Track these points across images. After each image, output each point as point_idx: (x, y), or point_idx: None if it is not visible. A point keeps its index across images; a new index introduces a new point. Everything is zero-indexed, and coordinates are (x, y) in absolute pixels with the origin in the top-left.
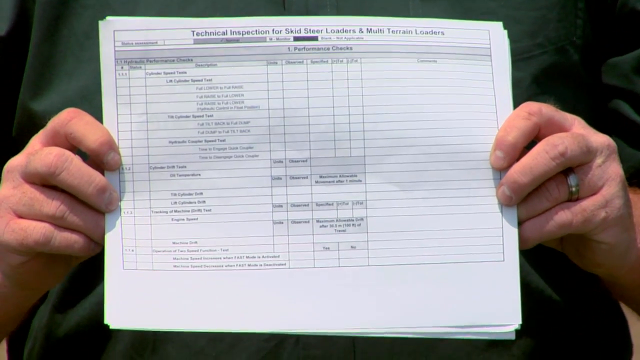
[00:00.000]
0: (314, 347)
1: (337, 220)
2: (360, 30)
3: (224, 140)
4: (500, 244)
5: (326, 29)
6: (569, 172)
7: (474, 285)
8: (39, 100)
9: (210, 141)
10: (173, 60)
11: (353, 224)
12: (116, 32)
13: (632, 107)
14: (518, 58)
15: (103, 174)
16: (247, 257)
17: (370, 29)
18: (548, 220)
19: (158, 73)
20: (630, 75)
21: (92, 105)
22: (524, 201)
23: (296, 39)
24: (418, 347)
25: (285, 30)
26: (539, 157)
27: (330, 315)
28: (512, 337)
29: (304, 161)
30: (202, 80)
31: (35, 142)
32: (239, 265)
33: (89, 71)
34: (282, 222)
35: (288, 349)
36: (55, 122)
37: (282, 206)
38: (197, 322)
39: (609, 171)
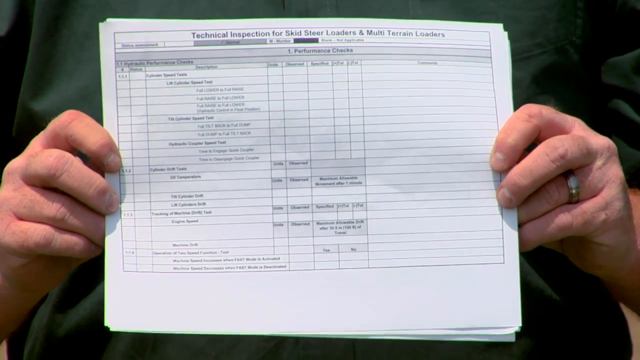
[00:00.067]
0: (313, 347)
1: (337, 223)
2: (361, 32)
3: (224, 142)
4: (501, 246)
5: (326, 31)
6: (569, 174)
7: (474, 287)
8: (39, 100)
9: (210, 143)
10: (173, 62)
11: (353, 226)
12: (116, 34)
13: (632, 107)
14: (518, 58)
15: (103, 176)
16: (247, 259)
17: (371, 31)
18: (548, 222)
19: (158, 75)
20: (630, 75)
21: (92, 105)
22: (524, 203)
23: (296, 40)
24: (418, 347)
25: (286, 32)
26: (539, 160)
27: (331, 317)
28: (512, 339)
29: (304, 163)
30: (202, 82)
31: (36, 144)
32: (239, 267)
33: (89, 71)
34: (282, 224)
35: (288, 349)
36: (55, 124)
37: (282, 208)
38: (197, 325)
39: (609, 173)
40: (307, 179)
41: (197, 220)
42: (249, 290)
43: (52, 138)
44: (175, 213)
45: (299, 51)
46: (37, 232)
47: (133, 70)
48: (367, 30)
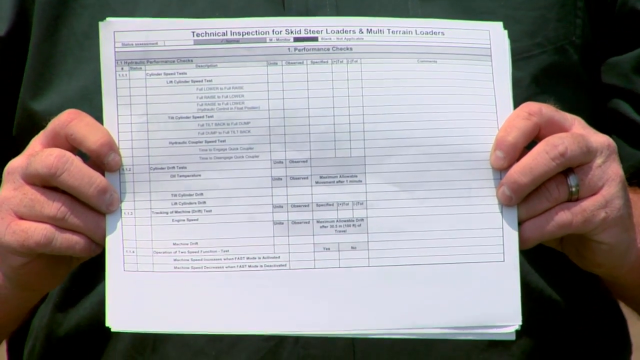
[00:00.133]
0: (313, 346)
1: (337, 221)
2: (360, 31)
3: (224, 141)
4: (501, 244)
5: (326, 30)
6: (569, 172)
7: (474, 285)
8: (39, 100)
9: (210, 142)
10: (173, 61)
11: (353, 225)
12: (116, 33)
13: (631, 107)
14: (517, 58)
15: (103, 175)
16: (248, 257)
17: (370, 30)
18: (548, 220)
19: (158, 74)
20: (630, 75)
21: (92, 105)
22: (524, 201)
23: (296, 39)
24: (418, 346)
25: (285, 30)
26: (539, 157)
27: (331, 316)
28: (513, 337)
29: (304, 162)
30: (202, 80)
31: (36, 143)
32: (240, 266)
33: (89, 71)
34: (283, 223)
35: (288, 349)
36: (55, 124)
37: (282, 207)
38: (197, 325)
39: (609, 171)
40: (307, 178)
41: (197, 219)
42: (249, 289)
43: (52, 137)
44: (176, 212)
45: (299, 50)
46: (37, 232)
47: (133, 69)
48: (367, 29)
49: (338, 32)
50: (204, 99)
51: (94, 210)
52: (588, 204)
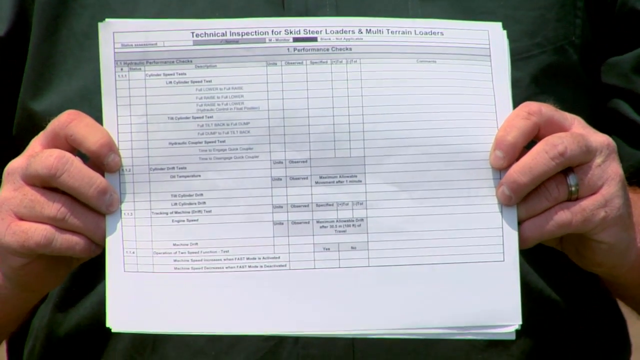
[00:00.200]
0: (313, 346)
1: (337, 221)
2: (360, 31)
3: (223, 141)
4: (500, 244)
5: (325, 30)
6: (569, 171)
7: (474, 285)
8: (39, 100)
9: (210, 142)
10: (173, 62)
11: (353, 225)
12: (116, 34)
13: (631, 107)
14: (517, 58)
15: (103, 175)
16: (248, 258)
17: (370, 30)
18: (548, 219)
19: (158, 74)
20: (629, 75)
21: (92, 105)
22: (523, 201)
23: (296, 39)
24: (417, 346)
25: (285, 31)
26: (539, 157)
27: (331, 316)
28: (513, 337)
29: (303, 162)
30: (201, 81)
31: (36, 144)
32: (239, 266)
33: (89, 71)
34: (282, 223)
35: (287, 349)
36: (55, 124)
37: (282, 207)
38: (198, 325)
39: (609, 171)
40: (306, 178)
41: (197, 220)
42: (249, 289)
43: (52, 138)
44: (176, 212)
45: (298, 50)
46: (37, 232)
47: (132, 70)
48: (366, 29)
49: (337, 32)
50: (203, 100)
51: (94, 211)
52: (588, 203)
